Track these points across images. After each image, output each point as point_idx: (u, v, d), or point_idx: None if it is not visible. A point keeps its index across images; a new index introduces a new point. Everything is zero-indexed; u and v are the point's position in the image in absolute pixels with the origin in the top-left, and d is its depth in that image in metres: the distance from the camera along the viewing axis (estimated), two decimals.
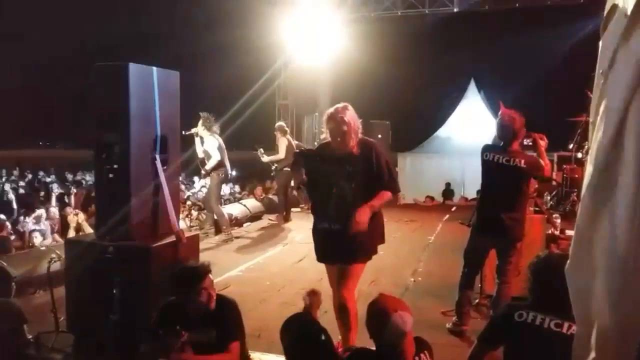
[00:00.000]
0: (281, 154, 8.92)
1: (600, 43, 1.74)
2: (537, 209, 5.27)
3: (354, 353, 2.72)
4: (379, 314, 2.45)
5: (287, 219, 9.20)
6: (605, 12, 1.73)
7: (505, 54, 21.05)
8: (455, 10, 12.71)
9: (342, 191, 3.39)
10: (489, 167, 4.26)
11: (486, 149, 4.32)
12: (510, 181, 4.21)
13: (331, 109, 3.49)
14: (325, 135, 3.60)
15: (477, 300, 4.87)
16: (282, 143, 8.95)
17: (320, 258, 3.67)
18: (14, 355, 3.54)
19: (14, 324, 3.64)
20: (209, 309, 2.92)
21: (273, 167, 9.24)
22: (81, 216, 8.52)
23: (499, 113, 4.38)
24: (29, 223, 7.94)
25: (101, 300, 3.62)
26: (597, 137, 1.69)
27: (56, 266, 4.30)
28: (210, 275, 2.97)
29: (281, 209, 9.27)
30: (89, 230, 7.67)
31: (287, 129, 9.44)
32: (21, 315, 3.76)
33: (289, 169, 8.63)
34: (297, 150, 3.70)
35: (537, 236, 4.94)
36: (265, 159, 9.40)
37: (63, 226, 8.57)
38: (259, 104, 13.33)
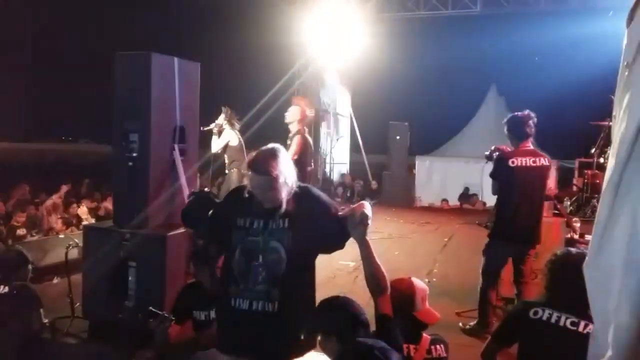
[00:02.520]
0: (295, 154, 8.89)
1: (625, 35, 1.70)
2: (556, 212, 5.19)
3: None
4: (405, 299, 2.51)
5: None
6: (633, 3, 1.70)
7: (528, 57, 20.82)
8: (478, 11, 12.59)
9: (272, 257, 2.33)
10: (518, 173, 4.12)
11: (509, 155, 4.17)
12: (539, 182, 4.14)
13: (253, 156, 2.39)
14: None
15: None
16: (298, 144, 8.89)
17: (229, 349, 2.37)
18: (30, 339, 3.59)
19: (30, 308, 3.69)
20: None
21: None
22: (84, 208, 8.60)
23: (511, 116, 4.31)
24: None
25: (117, 286, 3.66)
26: (619, 130, 1.65)
27: (74, 253, 4.37)
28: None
29: None
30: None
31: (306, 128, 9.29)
32: (38, 300, 3.81)
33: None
34: (195, 191, 3.04)
35: (555, 240, 4.86)
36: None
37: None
38: (279, 104, 13.37)
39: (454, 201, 13.92)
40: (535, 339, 2.42)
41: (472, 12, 12.68)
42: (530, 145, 4.21)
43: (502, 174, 4.14)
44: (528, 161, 4.10)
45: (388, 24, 13.90)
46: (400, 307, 2.43)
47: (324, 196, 2.51)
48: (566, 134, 17.15)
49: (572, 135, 15.90)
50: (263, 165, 2.24)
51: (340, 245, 2.51)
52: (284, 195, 2.29)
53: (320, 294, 4.81)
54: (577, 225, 6.29)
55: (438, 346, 2.53)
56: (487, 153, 4.44)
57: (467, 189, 14.48)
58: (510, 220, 4.16)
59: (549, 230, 4.93)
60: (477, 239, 7.42)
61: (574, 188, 9.75)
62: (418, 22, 14.13)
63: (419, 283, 2.58)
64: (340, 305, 2.31)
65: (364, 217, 2.32)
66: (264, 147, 2.36)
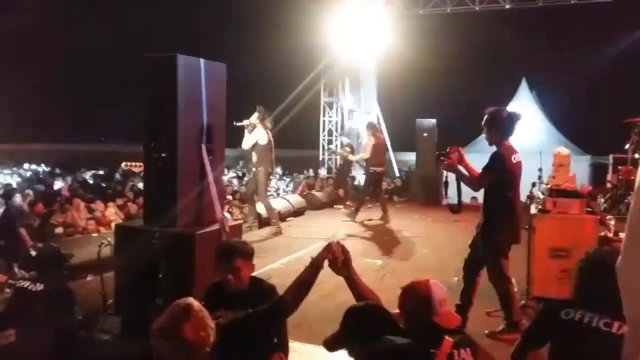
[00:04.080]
0: (366, 153, 8.90)
1: None
2: (589, 209, 5.07)
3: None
4: (422, 301, 2.27)
5: (386, 219, 8.97)
6: None
7: (558, 52, 20.33)
8: (507, 6, 12.37)
9: None
10: (517, 169, 4.05)
11: (510, 152, 4.03)
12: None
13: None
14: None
15: (523, 302, 4.73)
16: (370, 142, 8.86)
17: None
18: (65, 335, 3.69)
19: (65, 305, 3.79)
20: (245, 290, 2.93)
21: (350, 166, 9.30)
22: (111, 209, 8.78)
23: (489, 111, 4.16)
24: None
25: (147, 284, 3.73)
26: None
27: (106, 251, 4.48)
28: (242, 257, 2.93)
29: (356, 205, 9.18)
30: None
31: (378, 126, 9.23)
32: (72, 297, 3.92)
33: (375, 169, 8.76)
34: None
35: (589, 238, 4.74)
36: (352, 157, 9.47)
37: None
38: (305, 101, 13.41)
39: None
40: (567, 340, 2.37)
41: (501, 7, 12.47)
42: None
43: (506, 171, 4.02)
44: (518, 158, 4.06)
45: (414, 21, 13.79)
46: (417, 311, 2.24)
47: None
48: (600, 128, 16.70)
49: (605, 130, 15.50)
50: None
51: None
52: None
53: (348, 293, 4.79)
54: (612, 223, 6.11)
55: (462, 350, 2.23)
56: (438, 152, 4.31)
57: None
58: (516, 218, 4.09)
59: (581, 228, 4.82)
60: None
61: (608, 185, 9.48)
62: (445, 18, 13.95)
63: (436, 285, 2.32)
64: (370, 312, 2.26)
65: (340, 256, 2.48)
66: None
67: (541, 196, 5.37)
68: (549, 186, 5.36)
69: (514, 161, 4.00)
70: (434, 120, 12.10)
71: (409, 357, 2.10)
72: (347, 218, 9.03)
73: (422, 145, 11.75)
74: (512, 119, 4.08)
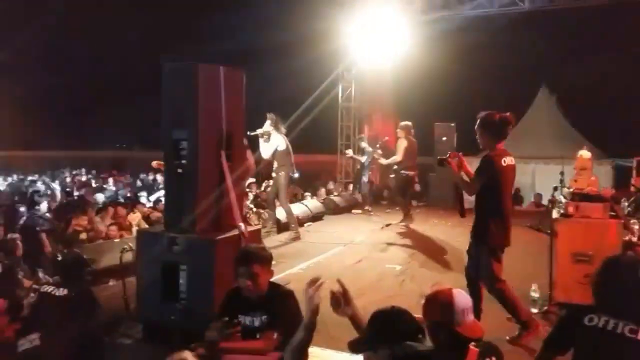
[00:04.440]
0: (398, 156, 8.79)
1: None
2: (613, 213, 4.98)
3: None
4: (445, 308, 2.26)
5: (410, 219, 8.99)
6: None
7: (579, 54, 20.05)
8: (526, 8, 12.24)
9: None
10: (508, 173, 4.04)
11: (499, 155, 4.01)
12: (514, 181, 4.15)
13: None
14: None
15: (545, 308, 4.66)
16: (402, 144, 8.70)
17: None
18: (88, 338, 3.75)
19: (88, 309, 3.85)
20: (263, 296, 2.95)
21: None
22: (138, 214, 8.90)
23: (480, 115, 4.16)
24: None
25: (168, 289, 3.78)
26: None
27: (128, 256, 4.54)
28: (261, 263, 2.95)
29: (403, 209, 9.09)
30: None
31: (412, 129, 8.89)
32: (95, 302, 3.98)
33: (406, 172, 8.68)
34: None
35: (612, 242, 4.66)
36: (383, 161, 9.42)
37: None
38: (322, 106, 13.42)
39: None
40: (590, 347, 2.33)
41: (519, 10, 12.35)
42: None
43: (495, 175, 3.99)
44: (510, 161, 4.05)
45: (432, 24, 13.73)
46: (440, 321, 2.21)
47: None
48: (623, 131, 16.39)
49: (629, 133, 15.19)
50: None
51: None
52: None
53: (368, 298, 4.80)
54: (636, 227, 6.02)
55: (488, 359, 2.26)
56: (440, 157, 4.29)
57: (517, 190, 14.10)
58: (506, 220, 4.08)
59: (605, 233, 4.74)
60: (529, 242, 7.24)
61: (632, 188, 9.30)
62: (463, 21, 13.86)
63: (460, 294, 2.29)
64: (397, 316, 2.24)
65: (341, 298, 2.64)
66: None
67: (563, 200, 5.30)
68: (571, 190, 5.29)
69: (504, 164, 3.98)
70: (452, 124, 12.02)
71: None
72: (401, 224, 8.88)
73: (440, 149, 11.63)
74: (504, 122, 4.06)
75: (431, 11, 13.35)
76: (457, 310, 2.22)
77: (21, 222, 7.63)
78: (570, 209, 4.93)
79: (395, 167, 8.81)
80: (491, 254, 4.09)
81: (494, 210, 4.05)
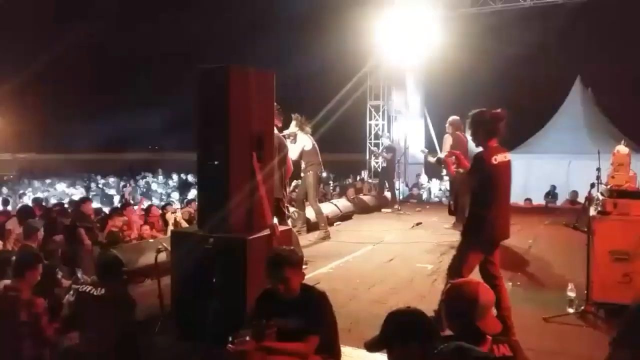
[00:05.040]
0: (441, 154, 8.56)
1: None
2: None
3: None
4: (470, 300, 2.32)
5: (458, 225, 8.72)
6: None
7: (614, 46, 19.46)
8: (560, 1, 11.96)
9: None
10: (499, 170, 4.01)
11: (490, 153, 3.98)
12: (510, 178, 4.13)
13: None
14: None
15: (582, 307, 4.55)
16: (447, 142, 8.30)
17: None
18: (125, 337, 3.83)
19: (124, 308, 3.93)
20: (296, 298, 2.97)
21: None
22: (178, 213, 9.07)
23: (472, 113, 4.16)
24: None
25: (202, 288, 3.84)
26: None
27: (163, 256, 4.63)
28: (292, 267, 2.97)
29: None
30: (184, 225, 8.27)
31: (461, 125, 8.31)
32: (131, 301, 4.06)
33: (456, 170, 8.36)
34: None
35: None
36: (431, 159, 9.17)
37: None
38: (350, 105, 13.41)
39: (538, 200, 13.28)
40: None
41: (554, 3, 12.08)
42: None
43: (486, 172, 3.98)
44: (503, 158, 4.03)
45: (461, 21, 13.55)
46: (461, 313, 2.29)
47: None
48: None
49: None
50: None
51: None
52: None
53: (399, 297, 4.77)
54: None
55: (501, 346, 2.35)
56: (438, 157, 4.26)
57: (553, 187, 13.78)
58: (495, 219, 4.02)
59: None
60: (564, 241, 7.09)
61: None
62: (494, 16, 13.64)
63: (485, 289, 2.36)
64: (410, 317, 2.26)
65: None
66: None
67: (600, 197, 5.15)
68: (608, 187, 5.14)
69: (495, 162, 3.96)
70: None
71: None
72: (451, 227, 8.48)
73: (471, 145, 11.50)
74: (495, 119, 4.06)
75: (460, 7, 13.19)
76: (480, 305, 2.29)
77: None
78: (608, 207, 4.79)
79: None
80: (473, 249, 4.07)
81: (484, 207, 4.03)
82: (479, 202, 4.05)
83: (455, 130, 8.25)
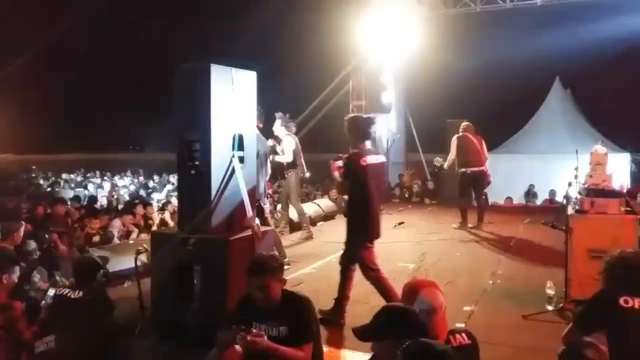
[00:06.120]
0: (452, 154, 8.67)
1: None
2: (628, 209, 4.91)
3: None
4: (409, 291, 2.51)
5: (463, 224, 8.63)
6: None
7: (593, 47, 19.76)
8: (539, 3, 12.13)
9: None
10: (370, 173, 4.27)
11: (360, 155, 4.25)
12: (382, 178, 4.68)
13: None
14: None
15: (561, 305, 4.62)
16: (453, 143, 8.57)
17: None
18: (104, 339, 3.78)
19: (103, 310, 3.88)
20: (277, 305, 2.93)
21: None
22: (167, 213, 8.99)
23: (346, 118, 4.55)
24: None
25: (183, 289, 3.80)
26: None
27: (143, 258, 4.58)
28: (272, 275, 2.91)
29: (462, 214, 8.64)
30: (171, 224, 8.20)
31: (465, 126, 8.63)
32: (110, 303, 4.01)
33: (464, 169, 8.42)
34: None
35: (629, 237, 4.59)
36: (446, 165, 9.16)
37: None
38: (332, 105, 13.38)
39: (518, 199, 13.45)
40: (632, 328, 2.39)
41: (532, 4, 12.24)
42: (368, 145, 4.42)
43: (355, 174, 4.26)
44: (375, 160, 4.35)
45: (443, 21, 13.65)
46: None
47: None
48: (639, 124, 16.16)
49: None
50: None
51: None
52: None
53: (380, 299, 4.76)
54: None
55: (458, 335, 2.42)
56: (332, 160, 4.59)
57: (532, 186, 13.97)
58: (373, 218, 4.35)
59: (621, 228, 4.68)
60: (544, 239, 7.18)
61: None
62: (475, 17, 13.77)
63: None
64: (405, 314, 2.30)
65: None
66: None
67: (578, 196, 5.23)
68: (586, 186, 5.23)
69: (364, 163, 4.22)
70: (465, 122, 11.92)
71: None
72: (458, 227, 8.64)
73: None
74: (366, 124, 4.42)
75: (442, 7, 13.29)
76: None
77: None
78: (586, 205, 4.88)
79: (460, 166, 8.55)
80: (361, 246, 4.36)
81: (357, 207, 4.34)
82: (355, 202, 4.35)
83: (464, 132, 8.52)
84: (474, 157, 8.40)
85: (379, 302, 4.58)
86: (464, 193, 8.59)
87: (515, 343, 3.97)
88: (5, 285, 3.76)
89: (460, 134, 8.54)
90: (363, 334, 2.30)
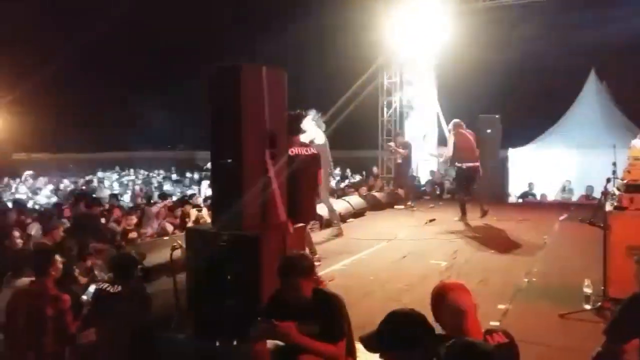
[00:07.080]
0: (448, 151, 8.99)
1: None
2: None
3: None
4: (437, 296, 2.39)
5: (463, 217, 8.88)
6: None
7: (630, 39, 19.13)
8: None
9: None
10: (296, 165, 4.97)
11: (293, 145, 5.05)
12: (313, 168, 5.48)
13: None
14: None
15: (599, 304, 4.51)
16: (450, 140, 8.90)
17: None
18: (141, 334, 3.88)
19: (141, 305, 3.97)
20: (308, 303, 2.94)
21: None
22: (204, 210, 9.11)
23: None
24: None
25: (217, 285, 3.86)
26: None
27: (178, 253, 4.67)
28: (302, 275, 2.94)
29: (462, 209, 8.92)
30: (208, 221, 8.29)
31: (455, 124, 8.94)
32: (147, 298, 4.10)
33: (459, 165, 8.71)
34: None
35: None
36: (442, 159, 9.47)
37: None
38: (361, 100, 13.33)
39: (553, 195, 13.17)
40: None
41: None
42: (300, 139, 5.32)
43: (289, 163, 4.65)
44: (305, 151, 5.23)
45: (475, 14, 13.43)
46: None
47: None
48: None
49: None
50: None
51: None
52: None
53: (413, 295, 4.77)
54: None
55: (495, 334, 2.32)
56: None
57: (567, 182, 13.65)
58: (299, 203, 4.91)
59: None
60: (581, 236, 7.01)
61: None
62: (508, 10, 13.50)
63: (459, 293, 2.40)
64: (407, 319, 2.20)
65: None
66: None
67: (616, 192, 5.09)
68: (624, 182, 5.08)
69: (292, 154, 4.98)
70: (497, 116, 11.74)
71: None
72: (459, 221, 8.80)
73: (484, 141, 11.41)
74: (293, 119, 5.11)
75: (474, 1, 13.08)
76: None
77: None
78: (625, 202, 4.75)
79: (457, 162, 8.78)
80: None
81: (292, 193, 4.66)
82: (289, 188, 4.57)
83: (456, 129, 8.77)
84: (469, 153, 8.72)
85: (410, 299, 4.58)
86: (460, 187, 8.93)
87: (551, 342, 3.90)
88: (52, 278, 3.89)
89: (456, 130, 8.79)
90: (369, 344, 2.21)
